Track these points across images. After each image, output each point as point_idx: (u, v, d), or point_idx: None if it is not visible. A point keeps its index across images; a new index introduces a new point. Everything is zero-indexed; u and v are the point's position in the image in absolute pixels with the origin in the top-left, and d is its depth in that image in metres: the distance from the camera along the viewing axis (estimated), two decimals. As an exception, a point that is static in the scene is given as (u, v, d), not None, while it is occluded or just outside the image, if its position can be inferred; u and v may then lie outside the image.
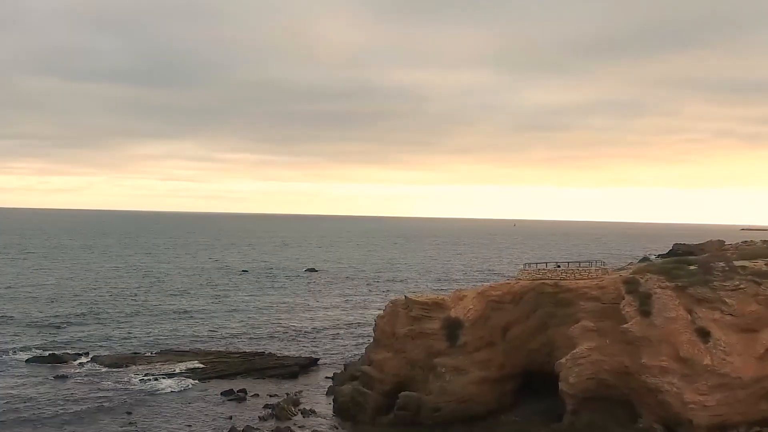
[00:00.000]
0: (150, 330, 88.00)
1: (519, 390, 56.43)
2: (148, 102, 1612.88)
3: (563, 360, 52.43)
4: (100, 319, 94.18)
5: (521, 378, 56.56)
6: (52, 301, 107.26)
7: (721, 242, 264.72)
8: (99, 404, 57.15)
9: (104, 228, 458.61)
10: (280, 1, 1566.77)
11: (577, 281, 56.00)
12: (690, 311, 51.95)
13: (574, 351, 52.38)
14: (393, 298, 65.00)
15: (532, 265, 60.58)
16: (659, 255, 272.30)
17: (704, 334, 50.72)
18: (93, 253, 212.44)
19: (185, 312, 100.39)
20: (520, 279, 58.86)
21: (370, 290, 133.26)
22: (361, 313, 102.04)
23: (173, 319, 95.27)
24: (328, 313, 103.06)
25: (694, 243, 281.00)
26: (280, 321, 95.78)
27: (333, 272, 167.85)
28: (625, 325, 51.43)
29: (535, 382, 56.05)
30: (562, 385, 52.03)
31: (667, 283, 53.23)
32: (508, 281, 60.53)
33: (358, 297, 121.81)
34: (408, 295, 61.44)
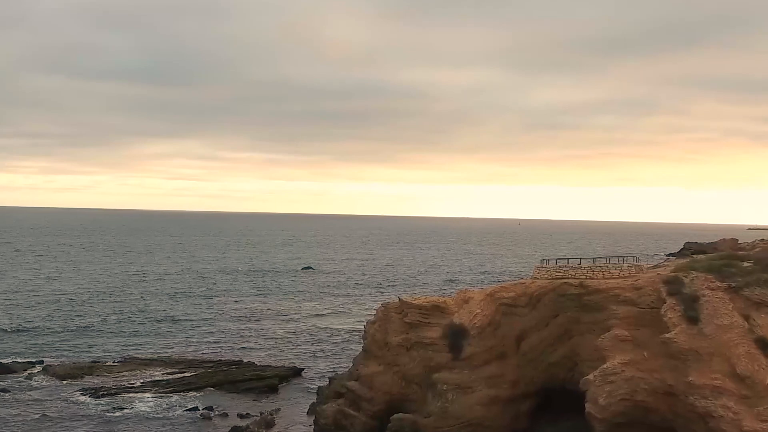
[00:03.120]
0: (119, 335, 79.07)
1: (536, 411, 46.95)
2: (154, 100, 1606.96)
3: (591, 377, 42.90)
4: (68, 323, 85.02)
5: (539, 397, 47.05)
6: (23, 304, 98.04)
7: (735, 240, 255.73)
8: (32, 426, 47.88)
9: (105, 227, 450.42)
10: (289, 0, 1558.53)
11: (607, 280, 46.52)
12: (747, 317, 42.56)
13: (605, 366, 42.88)
14: (389, 300, 55.43)
15: (550, 261, 51.08)
16: (670, 254, 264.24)
17: (765, 346, 41.33)
18: (86, 253, 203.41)
19: (163, 315, 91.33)
20: (536, 278, 49.35)
21: (369, 291, 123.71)
22: (357, 317, 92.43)
23: (148, 323, 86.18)
24: (321, 316, 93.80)
25: (705, 242, 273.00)
26: (266, 325, 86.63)
27: (331, 272, 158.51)
28: (667, 335, 41.95)
29: (556, 402, 46.58)
30: (589, 407, 42.49)
31: (718, 284, 43.72)
32: (522, 281, 51.00)
33: (355, 299, 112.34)
34: (403, 296, 51.87)
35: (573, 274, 47.83)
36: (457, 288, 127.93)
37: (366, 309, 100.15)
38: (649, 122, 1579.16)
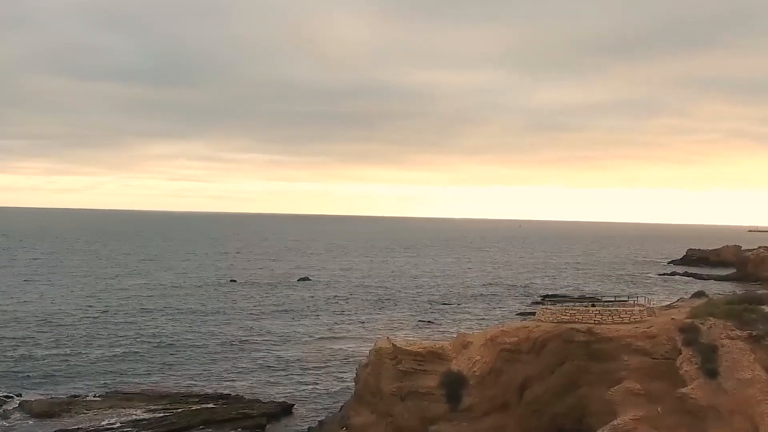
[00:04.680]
0: (105, 362, 75.47)
1: (540, 467, 43.57)
2: (156, 101, 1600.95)
3: (600, 433, 39.62)
4: (54, 348, 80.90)
5: (543, 451, 43.67)
6: (8, 325, 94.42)
7: (738, 247, 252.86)
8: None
9: (105, 231, 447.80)
10: (291, 0, 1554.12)
11: (618, 325, 43.13)
12: (770, 370, 39.32)
13: (615, 422, 39.56)
14: (383, 337, 51.87)
15: (555, 301, 47.63)
16: (672, 261, 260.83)
17: (791, 403, 38.00)
18: (81, 264, 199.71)
19: (152, 338, 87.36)
20: (541, 320, 45.97)
21: (369, 309, 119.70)
22: (353, 341, 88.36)
23: (136, 347, 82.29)
24: (315, 340, 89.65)
25: (709, 249, 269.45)
26: (257, 349, 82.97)
27: (329, 283, 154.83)
28: (683, 389, 38.65)
29: (562, 457, 43.23)
30: (598, 467, 39.28)
31: (738, 332, 40.37)
32: (524, 323, 47.55)
33: (353, 317, 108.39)
34: (396, 341, 48.41)
35: (580, 318, 44.43)
36: (463, 307, 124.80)
37: (366, 329, 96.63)
38: (652, 124, 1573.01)
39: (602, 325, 43.16)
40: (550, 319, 45.10)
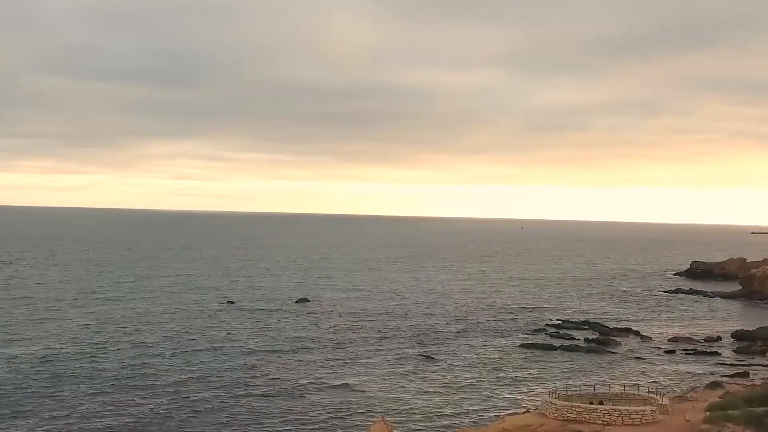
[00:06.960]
0: (91, 421, 72.17)
1: None
2: (158, 101, 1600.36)
3: None
4: (43, 404, 76.24)
5: None
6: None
7: (743, 260, 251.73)
8: None
9: (104, 233, 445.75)
10: (292, 1, 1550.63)
11: (628, 428, 40.35)
12: (793, 486, 36.63)
13: None
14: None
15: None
16: (677, 273, 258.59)
17: None
18: (77, 274, 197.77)
19: (140, 388, 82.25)
20: (544, 415, 43.23)
21: (372, 337, 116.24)
22: (355, 389, 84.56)
23: (126, 400, 78.63)
24: (313, 383, 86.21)
25: (713, 261, 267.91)
26: (248, 395, 79.36)
27: (330, 306, 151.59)
28: None
29: None
30: None
31: (758, 442, 37.72)
32: (527, 420, 44.79)
33: (354, 353, 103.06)
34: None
35: (587, 417, 41.70)
36: (464, 332, 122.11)
37: (366, 370, 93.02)
38: (654, 123, 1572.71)
39: (611, 427, 40.50)
40: (555, 415, 42.44)
